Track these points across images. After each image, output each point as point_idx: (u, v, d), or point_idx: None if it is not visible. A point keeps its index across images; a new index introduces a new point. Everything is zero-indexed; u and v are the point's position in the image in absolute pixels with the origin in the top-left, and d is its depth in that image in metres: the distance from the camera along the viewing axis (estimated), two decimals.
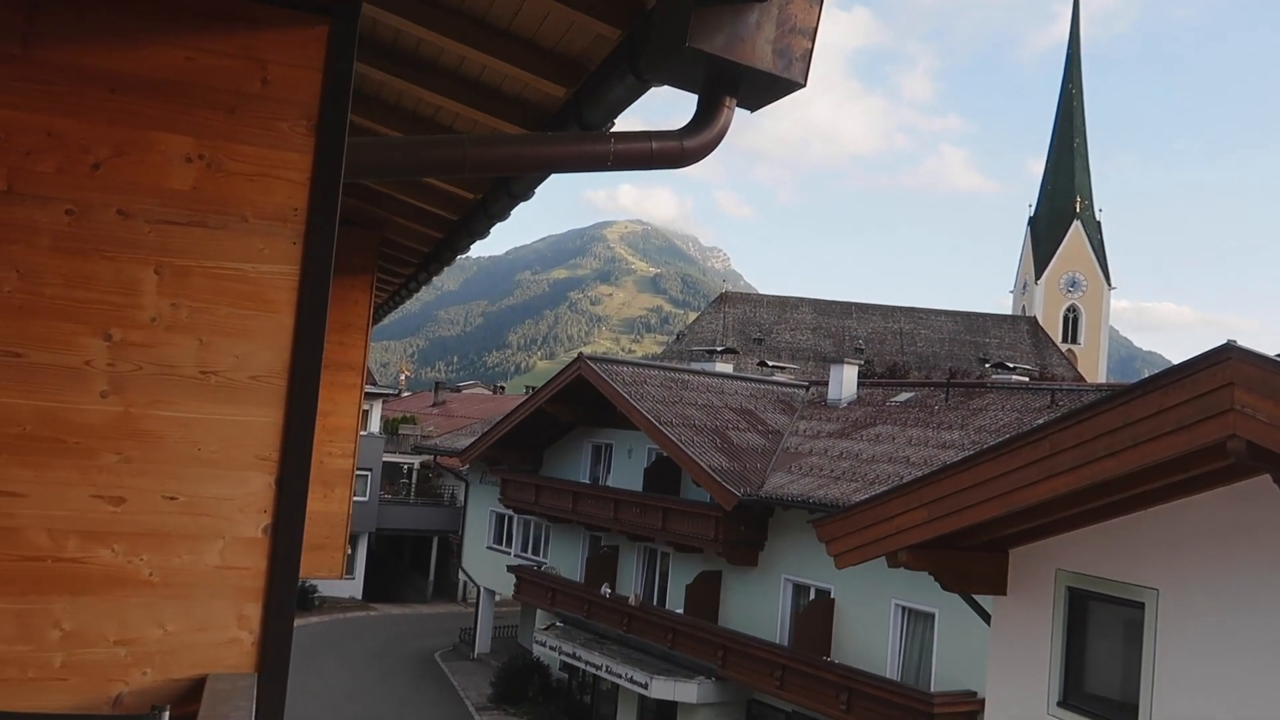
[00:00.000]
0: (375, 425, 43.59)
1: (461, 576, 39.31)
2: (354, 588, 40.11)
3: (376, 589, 41.39)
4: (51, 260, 2.45)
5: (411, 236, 6.41)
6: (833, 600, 19.37)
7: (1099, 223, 76.23)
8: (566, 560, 27.55)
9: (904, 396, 25.60)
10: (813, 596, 20.06)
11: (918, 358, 63.80)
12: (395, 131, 4.28)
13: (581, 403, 26.57)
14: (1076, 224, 74.61)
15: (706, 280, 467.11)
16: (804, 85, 2.69)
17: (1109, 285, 74.43)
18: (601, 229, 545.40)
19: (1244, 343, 6.26)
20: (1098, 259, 74.59)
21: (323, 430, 6.56)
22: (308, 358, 2.58)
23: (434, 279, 7.44)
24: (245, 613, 2.46)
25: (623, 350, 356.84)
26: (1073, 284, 74.49)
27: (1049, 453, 7.53)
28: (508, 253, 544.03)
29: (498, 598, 32.63)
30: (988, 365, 38.42)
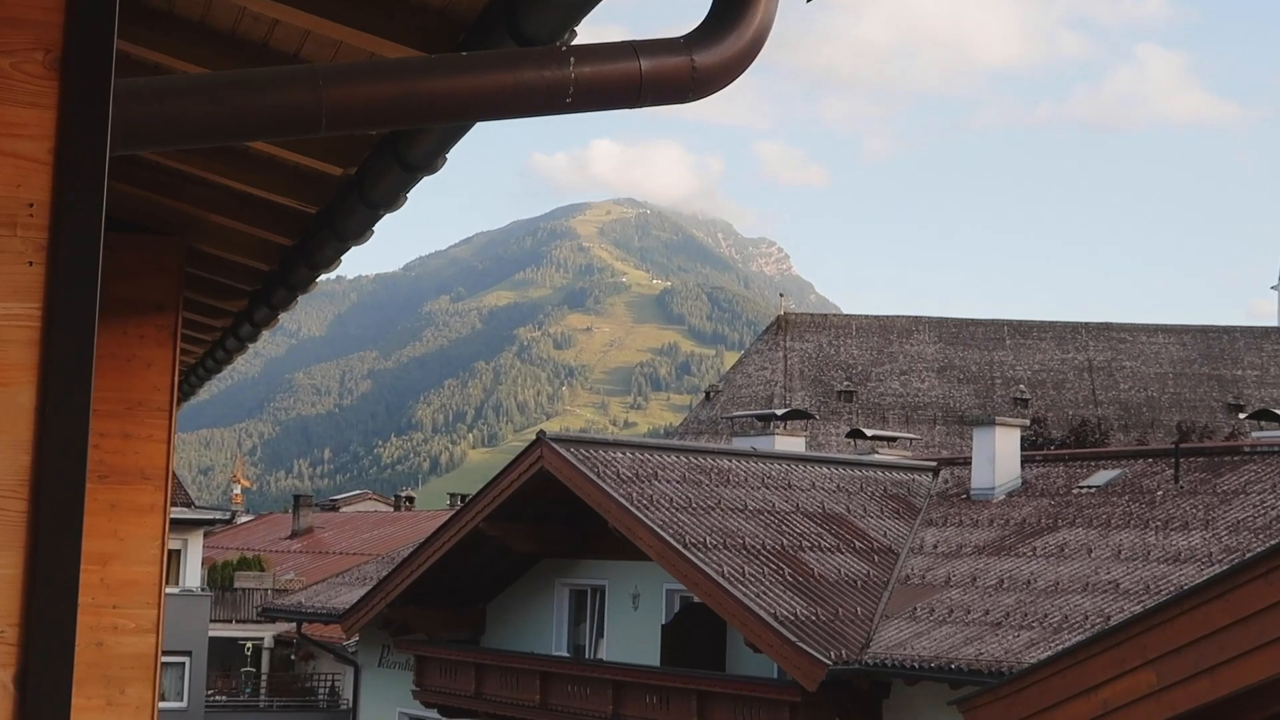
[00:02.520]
0: (193, 575, 43.45)
1: None
2: None
3: None
4: None
5: (240, 246, 6.43)
6: None
7: None
8: None
9: (1103, 476, 25.55)
10: None
11: (1121, 408, 63.90)
12: (199, 66, 4.31)
13: (548, 519, 26.46)
14: None
15: (751, 296, 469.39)
16: None
17: None
18: (567, 217, 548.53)
19: None
20: None
21: (98, 587, 6.51)
22: (64, 463, 2.54)
23: (282, 315, 7.45)
24: None
25: (614, 424, 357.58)
26: None
27: None
28: (409, 267, 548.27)
29: None
30: (1242, 415, 38.48)
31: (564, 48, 3.01)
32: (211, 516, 49.34)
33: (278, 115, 2.92)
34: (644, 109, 2.94)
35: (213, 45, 4.35)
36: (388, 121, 3.08)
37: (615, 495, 23.82)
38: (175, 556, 42.97)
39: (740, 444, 32.06)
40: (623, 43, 2.93)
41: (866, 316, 69.79)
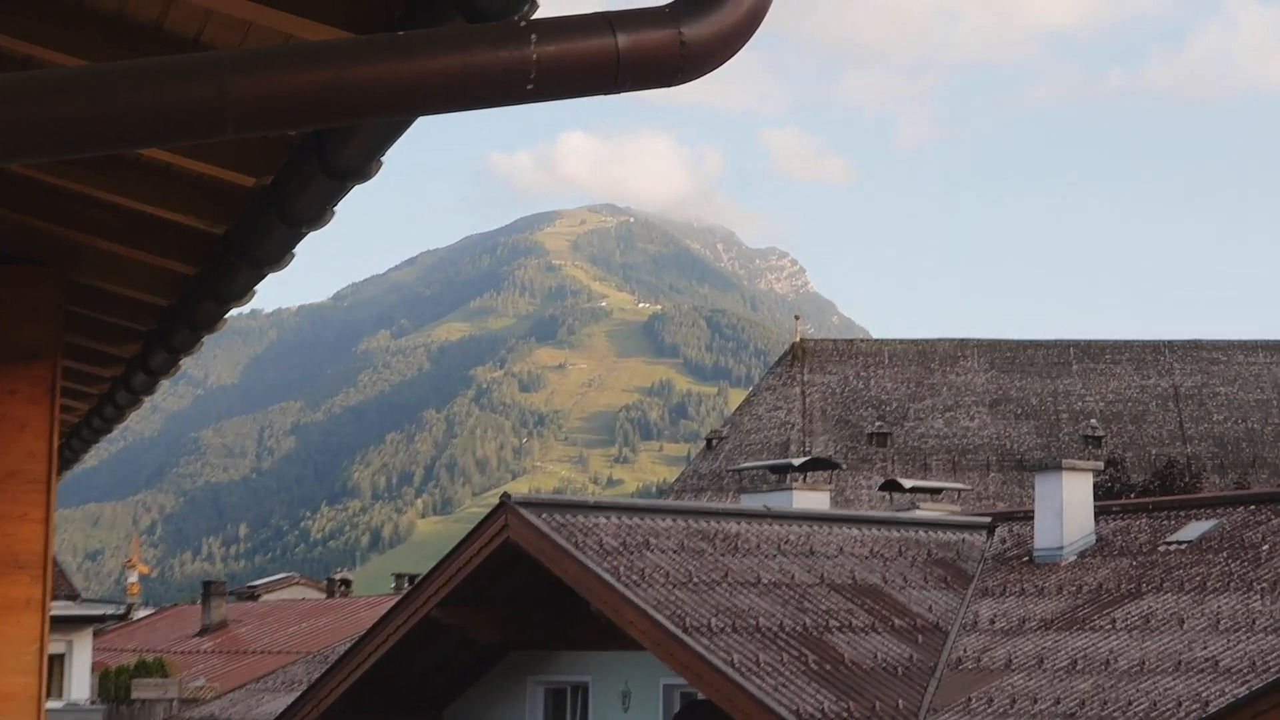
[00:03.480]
0: (81, 685, 43.17)
1: None
2: None
3: None
4: None
5: (131, 277, 6.43)
6: None
7: None
8: None
9: (1196, 529, 25.56)
10: None
11: (1216, 444, 63.99)
12: (78, 58, 4.33)
13: (516, 601, 26.38)
14: None
15: (759, 320, 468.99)
16: None
17: None
18: (532, 229, 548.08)
19: None
20: None
21: None
22: None
23: (184, 361, 7.46)
24: None
25: (595, 482, 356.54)
26: None
27: None
28: (339, 296, 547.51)
29: None
30: None
31: (523, 22, 3.04)
32: (102, 611, 49.06)
33: (174, 115, 2.94)
34: (623, 94, 2.96)
35: (94, 30, 4.37)
36: (309, 119, 3.10)
37: (598, 570, 23.75)
38: (58, 662, 42.74)
39: (750, 502, 32.02)
40: (595, 14, 2.96)
41: (901, 341, 69.91)
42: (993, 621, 24.52)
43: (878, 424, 64.20)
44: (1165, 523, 26.53)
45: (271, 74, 2.97)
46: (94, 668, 47.12)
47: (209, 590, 62.15)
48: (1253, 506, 25.97)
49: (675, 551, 25.37)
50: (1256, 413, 65.45)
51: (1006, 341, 69.34)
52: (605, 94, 2.92)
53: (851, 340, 76.90)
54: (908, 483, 43.96)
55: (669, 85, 2.91)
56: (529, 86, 2.89)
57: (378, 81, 2.95)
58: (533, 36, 2.91)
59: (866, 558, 26.98)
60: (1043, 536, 26.77)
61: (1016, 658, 22.83)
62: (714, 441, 66.24)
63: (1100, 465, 34.43)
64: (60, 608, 38.05)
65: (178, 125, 3.00)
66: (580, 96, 2.92)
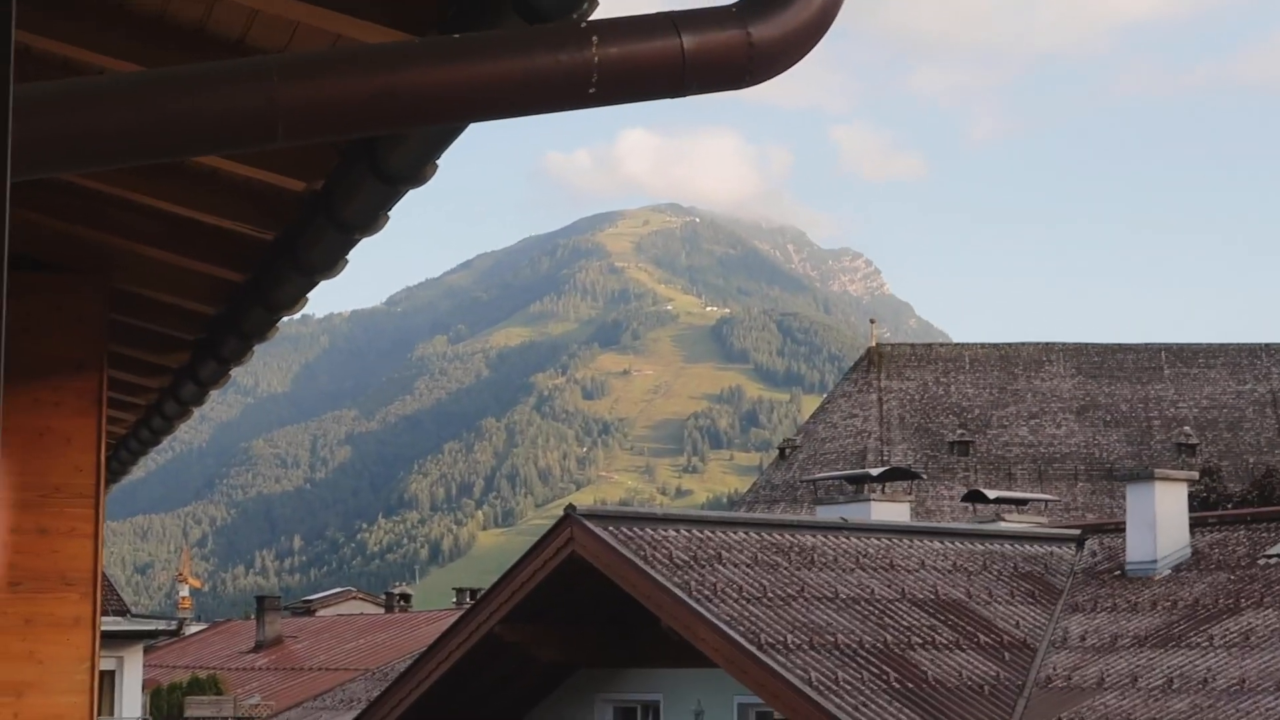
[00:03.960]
0: (132, 703, 43.48)
1: None
2: None
3: None
4: None
5: (178, 284, 6.46)
6: None
7: None
8: None
9: None
10: None
11: None
12: (120, 61, 4.33)
13: (582, 618, 26.39)
14: None
15: (833, 323, 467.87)
16: None
17: None
18: (594, 230, 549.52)
19: None
20: None
21: None
22: None
23: (234, 370, 7.48)
24: None
25: (663, 493, 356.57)
26: None
27: None
28: (394, 300, 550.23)
29: None
30: None
31: (584, 23, 3.02)
32: (153, 627, 49.37)
33: (222, 124, 2.94)
34: (689, 98, 2.94)
35: (136, 32, 4.37)
36: (362, 126, 3.10)
37: (668, 584, 23.74)
38: (108, 680, 43.06)
39: (826, 514, 31.90)
40: (658, 14, 2.94)
41: (983, 345, 69.52)
42: (1083, 638, 24.36)
43: (959, 432, 63.91)
44: (1264, 535, 26.32)
45: (322, 80, 2.97)
46: (145, 685, 47.44)
47: (263, 605, 62.50)
48: None
49: (748, 565, 25.32)
50: None
51: (1094, 345, 68.91)
52: (670, 97, 2.91)
53: (930, 344, 76.59)
54: (992, 493, 43.64)
55: (737, 88, 2.89)
56: (591, 90, 2.88)
57: (433, 87, 2.94)
58: (594, 38, 2.89)
59: (949, 571, 26.85)
60: (1135, 549, 26.59)
61: (1109, 676, 22.68)
62: (787, 450, 66.08)
63: (1195, 475, 34.08)
64: (109, 624, 38.35)
65: (227, 134, 3.00)
66: (644, 100, 2.90)
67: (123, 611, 45.95)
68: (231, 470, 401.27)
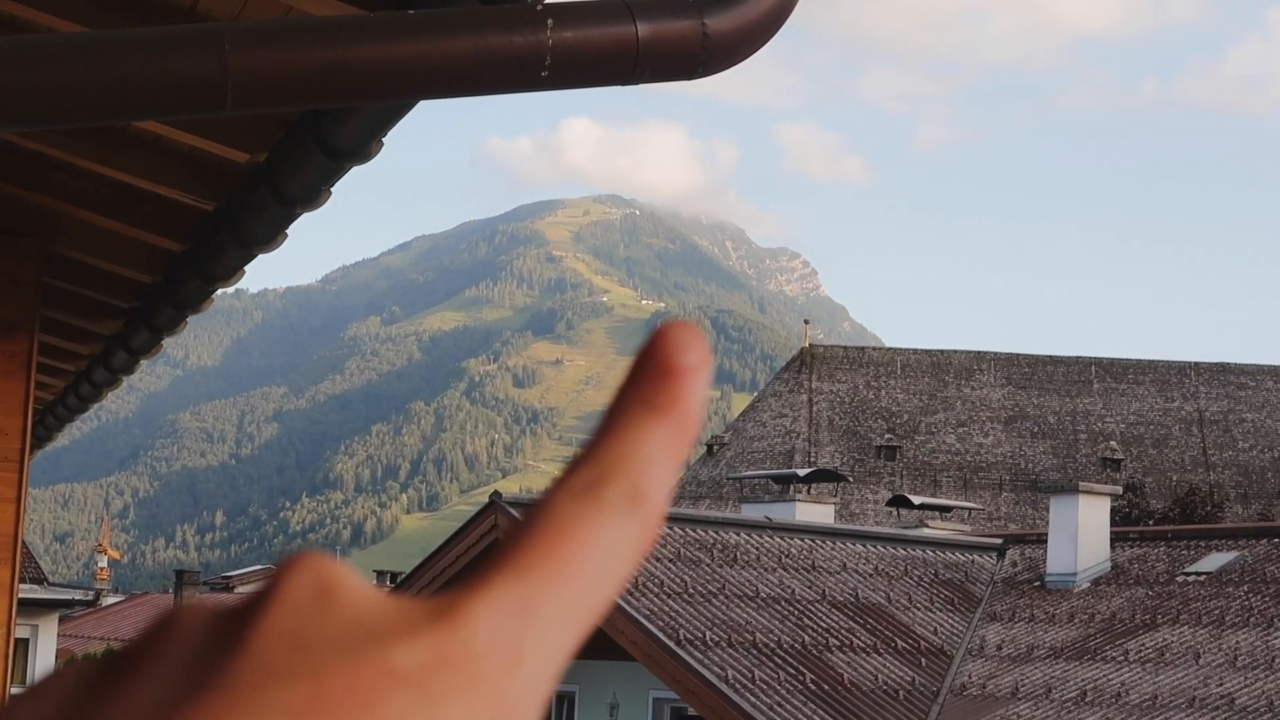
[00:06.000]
0: (44, 671, 43.11)
1: None
2: None
3: None
4: None
5: (115, 251, 6.42)
6: None
7: None
8: None
9: (1216, 560, 25.56)
10: None
11: (1240, 473, 63.99)
12: (69, 21, 4.31)
13: None
14: None
15: (767, 323, 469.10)
16: None
17: None
18: (532, 218, 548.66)
19: None
20: None
21: None
22: None
23: (166, 340, 7.44)
24: None
25: None
26: None
27: None
28: (329, 279, 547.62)
29: None
30: None
31: (540, 6, 3.03)
32: (70, 597, 49.06)
33: (171, 88, 2.93)
34: (639, 86, 2.95)
35: None
36: (313, 98, 3.09)
37: None
38: (22, 648, 42.76)
39: (751, 512, 31.99)
40: (615, 1, 2.94)
41: (915, 351, 69.88)
42: (1000, 647, 24.50)
43: (887, 436, 64.23)
44: (1184, 552, 26.52)
45: (275, 49, 2.97)
46: (59, 654, 47.14)
47: (181, 579, 62.22)
48: (1277, 539, 25.94)
49: (671, 560, 25.36)
50: None
51: (1025, 356, 69.34)
52: (623, 85, 2.91)
53: (863, 348, 76.90)
54: (916, 499, 43.92)
55: (690, 78, 2.90)
56: (544, 74, 2.88)
57: (386, 62, 2.95)
58: (549, 21, 2.90)
59: (871, 575, 26.97)
60: (1056, 561, 26.76)
61: (1024, 686, 22.81)
62: (715, 447, 66.21)
63: (1118, 490, 34.38)
64: (26, 591, 38.07)
65: (176, 99, 2.99)
66: (596, 86, 2.91)
67: (40, 580, 45.61)
68: (157, 442, 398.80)
